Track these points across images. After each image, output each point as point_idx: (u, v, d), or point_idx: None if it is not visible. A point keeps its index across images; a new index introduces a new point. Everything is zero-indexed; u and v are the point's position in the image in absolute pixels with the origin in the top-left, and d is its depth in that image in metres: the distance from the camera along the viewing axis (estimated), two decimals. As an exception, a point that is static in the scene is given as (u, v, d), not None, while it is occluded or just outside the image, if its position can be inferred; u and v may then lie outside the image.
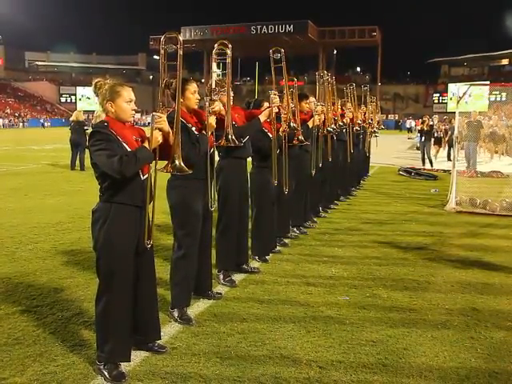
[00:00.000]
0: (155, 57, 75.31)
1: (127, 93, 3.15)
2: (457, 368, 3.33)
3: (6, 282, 4.86)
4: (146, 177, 3.22)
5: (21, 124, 60.34)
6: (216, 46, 4.33)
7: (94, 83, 3.22)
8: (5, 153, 21.40)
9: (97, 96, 3.23)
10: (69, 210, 8.43)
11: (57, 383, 3.06)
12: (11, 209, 8.61)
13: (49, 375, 3.14)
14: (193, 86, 3.95)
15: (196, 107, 4.06)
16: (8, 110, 66.41)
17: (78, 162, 14.39)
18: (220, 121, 4.32)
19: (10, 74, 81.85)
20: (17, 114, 65.20)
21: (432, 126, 16.89)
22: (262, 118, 4.91)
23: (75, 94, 76.24)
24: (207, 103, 4.08)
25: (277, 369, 3.28)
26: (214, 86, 4.25)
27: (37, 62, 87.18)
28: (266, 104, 5.39)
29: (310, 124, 6.53)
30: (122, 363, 3.21)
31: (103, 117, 3.26)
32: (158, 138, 3.17)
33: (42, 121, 59.82)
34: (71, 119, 15.31)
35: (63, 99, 78.34)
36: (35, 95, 77.72)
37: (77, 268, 5.27)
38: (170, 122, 3.31)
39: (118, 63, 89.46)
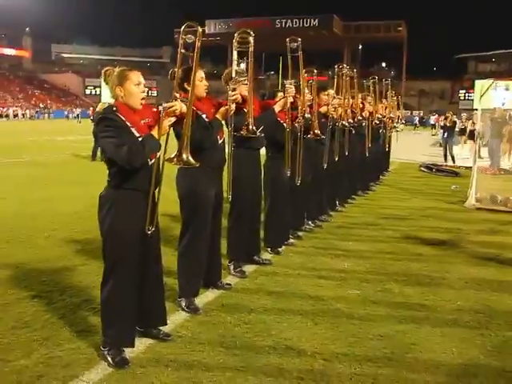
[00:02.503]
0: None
1: (135, 76, 3.14)
2: (465, 365, 3.27)
3: (20, 268, 4.93)
4: (152, 161, 3.22)
5: (46, 115, 61.18)
6: (237, 34, 4.28)
7: (103, 72, 3.23)
8: (29, 143, 21.72)
9: (107, 84, 3.24)
10: (86, 200, 8.48)
11: (61, 367, 3.09)
12: (31, 197, 8.73)
13: (54, 359, 3.18)
14: (199, 73, 3.93)
15: (205, 95, 4.03)
16: (41, 103, 67.53)
17: (99, 153, 14.55)
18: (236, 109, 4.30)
19: (37, 66, 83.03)
20: (42, 106, 66.11)
21: (455, 123, 16.63)
22: (277, 108, 4.87)
23: (100, 86, 76.94)
24: (230, 92, 4.08)
25: (281, 360, 3.26)
26: (234, 75, 4.23)
27: (63, 54, 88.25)
28: (280, 94, 5.35)
29: (323, 110, 6.43)
30: (126, 350, 3.22)
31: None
32: (167, 127, 3.18)
33: (75, 112, 60.00)
34: (97, 110, 15.51)
35: (88, 91, 79.10)
36: (61, 87, 78.73)
37: (90, 255, 5.32)
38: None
39: (143, 56, 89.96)
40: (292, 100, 5.01)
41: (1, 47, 78.15)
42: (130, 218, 3.13)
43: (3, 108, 59.59)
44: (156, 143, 3.11)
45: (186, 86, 3.84)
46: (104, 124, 3.05)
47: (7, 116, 56.70)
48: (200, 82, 3.91)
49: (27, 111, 60.25)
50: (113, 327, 3.15)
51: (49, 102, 70.79)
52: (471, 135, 17.78)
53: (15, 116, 57.41)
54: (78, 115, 50.42)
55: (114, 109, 3.09)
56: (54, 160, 15.09)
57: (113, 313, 3.16)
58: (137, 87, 3.13)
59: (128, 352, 3.24)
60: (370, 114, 9.13)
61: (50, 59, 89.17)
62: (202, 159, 3.95)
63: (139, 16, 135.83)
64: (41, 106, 66.19)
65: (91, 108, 33.52)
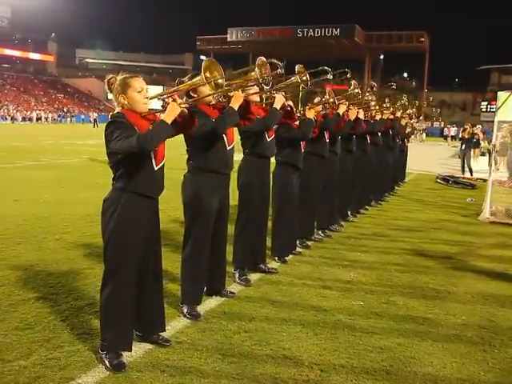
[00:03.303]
0: (202, 57, 76.26)
1: (138, 83, 3.18)
2: (463, 380, 3.22)
3: (28, 270, 5.00)
4: (159, 167, 3.25)
5: (69, 119, 62.06)
6: None
7: (106, 80, 3.28)
8: (49, 146, 22.06)
9: (111, 92, 3.28)
10: (99, 204, 8.55)
11: (59, 369, 3.13)
12: (46, 200, 8.87)
13: (52, 361, 3.22)
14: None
15: (213, 101, 4.06)
16: (64, 108, 68.55)
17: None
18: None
19: (61, 70, 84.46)
20: (65, 110, 67.14)
21: (473, 134, 16.45)
22: (278, 106, 4.84)
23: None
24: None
25: (277, 369, 3.25)
26: None
27: (87, 60, 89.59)
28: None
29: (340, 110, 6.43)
30: (124, 354, 3.25)
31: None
32: (176, 107, 3.13)
33: (91, 117, 59.83)
34: None
35: (110, 96, 79.57)
36: (84, 91, 79.86)
37: (98, 259, 5.36)
38: (190, 108, 3.41)
39: (165, 62, 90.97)
40: (291, 104, 5.07)
41: (27, 52, 79.64)
42: (132, 223, 3.17)
43: (27, 111, 60.64)
44: (165, 127, 3.07)
45: (191, 93, 3.90)
46: (114, 126, 3.06)
47: (30, 119, 57.65)
48: (205, 88, 3.92)
49: (50, 115, 61.17)
50: (111, 331, 3.18)
51: (72, 106, 71.84)
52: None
53: (38, 119, 58.33)
54: (95, 120, 50.47)
55: (122, 114, 3.14)
56: (72, 163, 15.31)
57: (111, 316, 3.19)
58: (139, 94, 3.17)
59: (126, 356, 3.27)
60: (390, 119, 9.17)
61: (73, 64, 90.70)
62: (210, 163, 4.01)
63: (163, 23, 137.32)
64: (64, 110, 67.15)
65: (110, 113, 33.91)
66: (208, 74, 3.56)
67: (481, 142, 20.45)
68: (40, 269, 5.03)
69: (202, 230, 4.05)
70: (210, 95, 3.85)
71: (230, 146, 4.20)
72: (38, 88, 75.39)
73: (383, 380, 3.18)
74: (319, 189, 6.45)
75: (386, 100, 9.46)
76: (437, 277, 5.33)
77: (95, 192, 9.74)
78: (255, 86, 4.57)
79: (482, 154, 21.54)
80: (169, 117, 3.09)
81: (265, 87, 4.44)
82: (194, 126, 3.52)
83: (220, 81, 3.68)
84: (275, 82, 4.75)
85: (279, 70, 3.82)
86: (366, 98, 7.53)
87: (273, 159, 5.31)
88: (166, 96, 3.33)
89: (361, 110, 7.26)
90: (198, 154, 4.05)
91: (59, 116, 62.59)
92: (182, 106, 3.19)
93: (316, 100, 6.14)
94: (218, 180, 4.13)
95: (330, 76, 4.53)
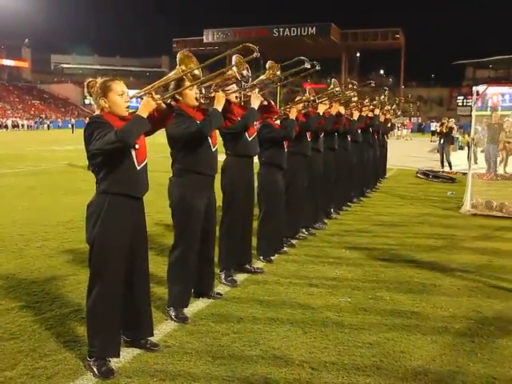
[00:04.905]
0: (178, 59, 75.83)
1: (119, 86, 3.13)
2: (454, 372, 3.24)
3: (10, 278, 4.90)
4: (141, 166, 3.20)
5: (46, 125, 61.34)
6: None
7: (86, 84, 3.22)
8: (27, 153, 21.74)
9: (91, 96, 3.23)
10: (80, 209, 8.41)
11: (46, 378, 3.06)
12: (25, 207, 8.72)
13: (39, 370, 3.15)
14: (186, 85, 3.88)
15: (196, 103, 4.01)
16: (42, 114, 67.57)
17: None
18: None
19: (36, 76, 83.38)
20: (43, 116, 66.31)
21: (451, 129, 16.64)
22: (255, 105, 4.80)
23: (99, 96, 77.10)
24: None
25: (268, 369, 3.23)
26: None
27: (62, 65, 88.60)
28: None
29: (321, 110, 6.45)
30: (112, 359, 3.20)
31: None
32: (151, 102, 3.09)
33: (64, 122, 59.74)
34: None
35: (87, 101, 79.08)
36: (60, 97, 78.95)
37: (81, 266, 5.28)
38: (175, 111, 3.44)
39: (142, 65, 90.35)
40: (266, 102, 5.03)
41: (0, 58, 78.36)
42: (118, 226, 3.13)
43: (2, 118, 59.74)
44: (144, 121, 3.04)
45: (176, 95, 3.85)
46: (93, 127, 3.01)
47: (6, 126, 56.78)
48: (190, 91, 3.89)
49: (25, 121, 60.37)
50: (98, 337, 3.13)
51: (48, 112, 70.95)
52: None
53: (14, 126, 57.49)
54: (72, 125, 50.13)
55: (100, 115, 3.09)
56: (51, 170, 15.10)
57: (98, 322, 3.13)
58: (120, 97, 3.13)
59: (115, 362, 3.22)
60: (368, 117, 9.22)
61: (49, 69, 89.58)
62: (196, 165, 3.98)
63: (138, 26, 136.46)
64: (42, 116, 66.31)
65: (87, 118, 33.37)
66: (184, 67, 3.55)
67: (457, 135, 20.72)
68: (22, 277, 4.94)
69: (190, 233, 4.01)
70: (191, 85, 3.77)
71: (215, 148, 4.19)
72: (13, 95, 74.34)
73: (374, 375, 3.18)
74: (304, 187, 6.45)
75: (366, 97, 9.50)
76: (422, 270, 5.36)
77: (76, 198, 9.63)
78: (234, 85, 4.54)
79: (461, 148, 21.82)
80: (143, 111, 3.05)
81: (244, 84, 4.42)
82: (169, 121, 3.47)
83: (196, 72, 3.66)
84: (253, 79, 4.73)
85: (255, 54, 3.75)
86: (347, 94, 7.55)
87: (257, 160, 5.28)
88: (143, 94, 3.29)
89: (342, 107, 7.31)
90: (183, 157, 4.02)
91: (35, 122, 61.80)
92: (159, 101, 3.15)
93: (297, 99, 6.15)
94: (204, 182, 4.10)
95: (307, 65, 4.51)
